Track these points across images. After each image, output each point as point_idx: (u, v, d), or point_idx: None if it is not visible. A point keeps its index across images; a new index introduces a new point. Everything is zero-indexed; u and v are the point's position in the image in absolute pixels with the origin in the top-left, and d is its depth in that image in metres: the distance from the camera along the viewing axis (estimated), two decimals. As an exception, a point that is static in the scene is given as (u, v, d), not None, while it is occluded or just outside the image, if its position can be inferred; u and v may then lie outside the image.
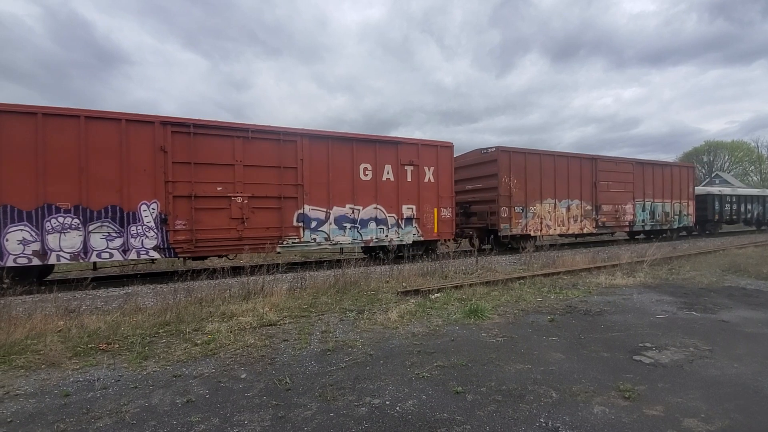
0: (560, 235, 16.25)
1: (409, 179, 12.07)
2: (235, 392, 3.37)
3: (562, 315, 5.75)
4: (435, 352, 4.24)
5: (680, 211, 19.55)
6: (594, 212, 16.48)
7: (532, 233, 14.80)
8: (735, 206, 23.48)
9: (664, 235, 19.26)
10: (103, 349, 4.45)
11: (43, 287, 8.32)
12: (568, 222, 15.80)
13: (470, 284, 7.58)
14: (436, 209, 12.48)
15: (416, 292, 7.12)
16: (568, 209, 15.82)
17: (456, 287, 7.42)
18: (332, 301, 6.68)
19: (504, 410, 3.00)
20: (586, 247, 16.47)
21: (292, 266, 11.09)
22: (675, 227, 19.47)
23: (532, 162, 14.95)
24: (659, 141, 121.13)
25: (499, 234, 14.18)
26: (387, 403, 3.14)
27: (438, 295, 6.92)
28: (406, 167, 12.04)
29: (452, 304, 6.27)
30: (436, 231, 12.47)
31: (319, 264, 11.44)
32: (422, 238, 12.22)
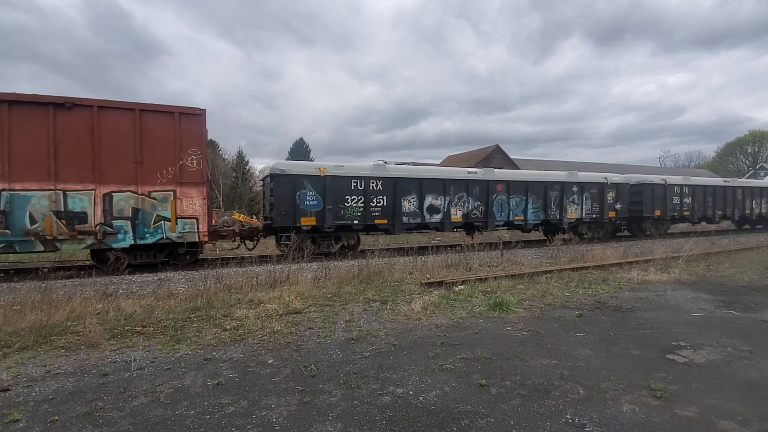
0: None
1: None
2: (262, 377, 3.47)
3: (591, 310, 5.61)
4: (458, 345, 4.22)
5: (141, 212, 9.03)
6: None
7: None
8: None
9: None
10: (138, 331, 4.66)
11: (81, 272, 8.76)
12: None
13: (495, 277, 7.49)
14: None
15: (440, 283, 7.09)
16: None
17: (480, 280, 7.34)
18: (356, 291, 6.74)
19: (529, 405, 2.96)
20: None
21: (316, 256, 11.25)
22: (118, 244, 8.84)
23: None
24: (705, 130, 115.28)
25: None
26: (410, 393, 3.16)
27: (462, 287, 6.88)
28: None
29: (476, 297, 6.22)
30: None
31: (343, 254, 11.54)
32: None
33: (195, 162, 9.57)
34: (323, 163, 11.89)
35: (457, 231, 14.50)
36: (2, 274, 8.49)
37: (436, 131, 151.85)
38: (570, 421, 2.75)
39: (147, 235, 9.17)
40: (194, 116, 9.60)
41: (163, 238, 9.32)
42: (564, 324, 4.97)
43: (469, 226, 13.93)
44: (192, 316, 5.26)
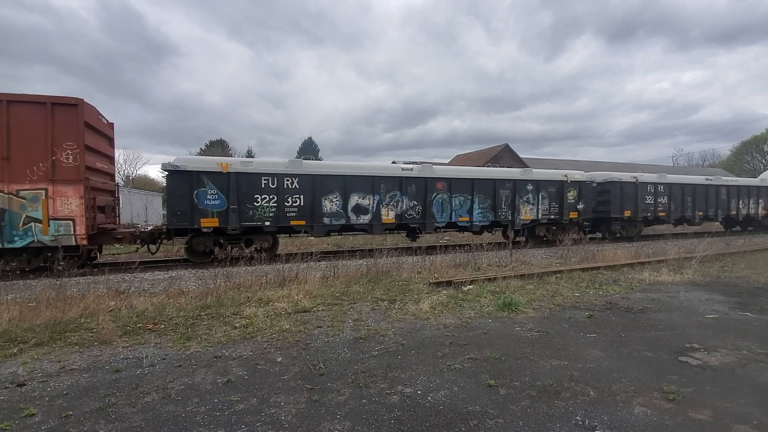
0: None
1: None
2: (271, 375, 3.49)
3: (602, 311, 5.54)
4: (467, 345, 4.20)
5: (9, 213, 8.31)
6: None
7: None
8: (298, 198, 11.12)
9: None
10: (150, 329, 4.72)
11: (95, 269, 8.91)
12: None
13: (504, 277, 7.44)
14: None
15: (448, 283, 7.07)
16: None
17: (489, 279, 7.30)
18: (364, 290, 6.75)
19: (538, 406, 2.94)
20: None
21: (325, 254, 11.29)
22: None
23: None
24: (721, 128, 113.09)
25: None
26: (418, 392, 3.15)
27: (471, 287, 6.84)
28: None
29: (485, 297, 6.19)
30: None
31: (352, 253, 11.56)
32: None
33: (71, 157, 8.51)
34: (227, 159, 10.91)
35: (390, 233, 13.30)
36: (18, 272, 8.66)
37: (445, 130, 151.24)
38: (580, 423, 2.72)
39: (16, 239, 8.31)
40: (69, 107, 8.54)
41: (34, 241, 8.40)
42: (574, 325, 4.92)
43: (404, 227, 12.75)
44: (202, 314, 5.32)
